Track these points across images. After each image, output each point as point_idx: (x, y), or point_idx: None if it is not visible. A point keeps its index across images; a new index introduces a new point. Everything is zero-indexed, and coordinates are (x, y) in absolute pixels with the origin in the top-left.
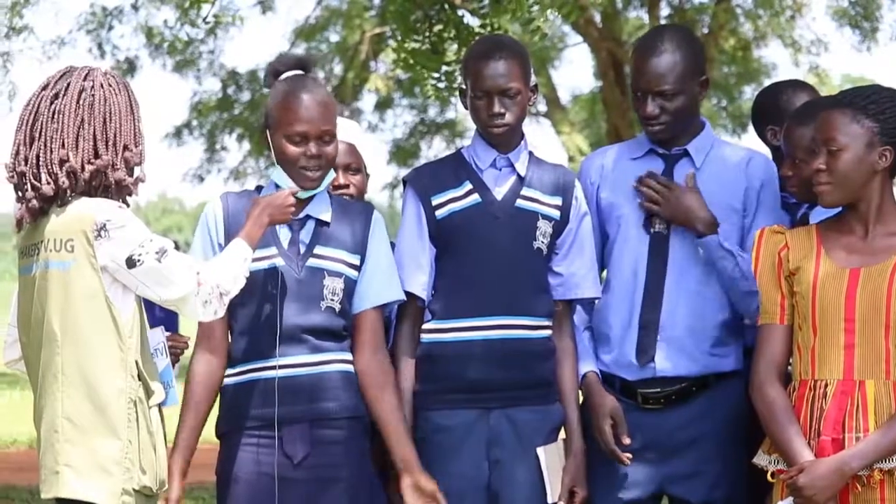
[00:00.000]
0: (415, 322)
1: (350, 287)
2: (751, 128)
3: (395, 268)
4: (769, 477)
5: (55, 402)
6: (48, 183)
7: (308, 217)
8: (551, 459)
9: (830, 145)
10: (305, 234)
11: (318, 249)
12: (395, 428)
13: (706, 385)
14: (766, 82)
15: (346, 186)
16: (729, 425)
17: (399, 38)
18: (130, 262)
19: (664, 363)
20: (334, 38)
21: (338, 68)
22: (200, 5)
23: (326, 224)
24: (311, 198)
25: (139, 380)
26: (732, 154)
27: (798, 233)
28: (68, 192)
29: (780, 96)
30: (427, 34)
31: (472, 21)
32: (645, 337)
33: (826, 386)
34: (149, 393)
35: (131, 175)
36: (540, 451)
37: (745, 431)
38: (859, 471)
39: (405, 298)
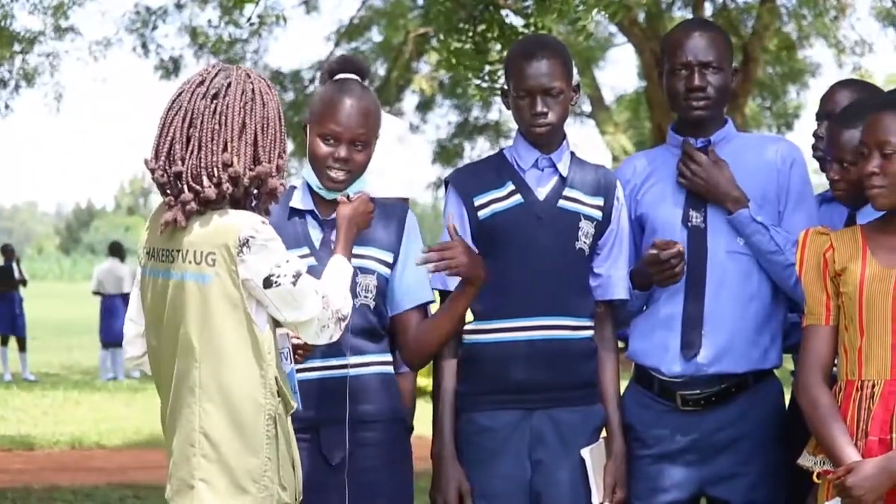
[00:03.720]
0: None
1: (383, 285)
2: (796, 126)
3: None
4: (814, 478)
5: (192, 416)
6: (210, 186)
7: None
8: (595, 460)
9: (885, 148)
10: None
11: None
12: None
13: (745, 385)
14: (811, 82)
15: None
16: (768, 425)
17: (442, 37)
18: (267, 283)
19: (708, 358)
20: (378, 38)
21: (381, 69)
22: (244, 5)
23: None
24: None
25: (278, 396)
26: (759, 142)
27: (843, 234)
28: (227, 197)
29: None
30: (470, 34)
31: (516, 21)
32: (689, 331)
33: (873, 386)
34: (287, 408)
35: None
36: (585, 452)
37: (784, 431)
38: None
39: (433, 300)
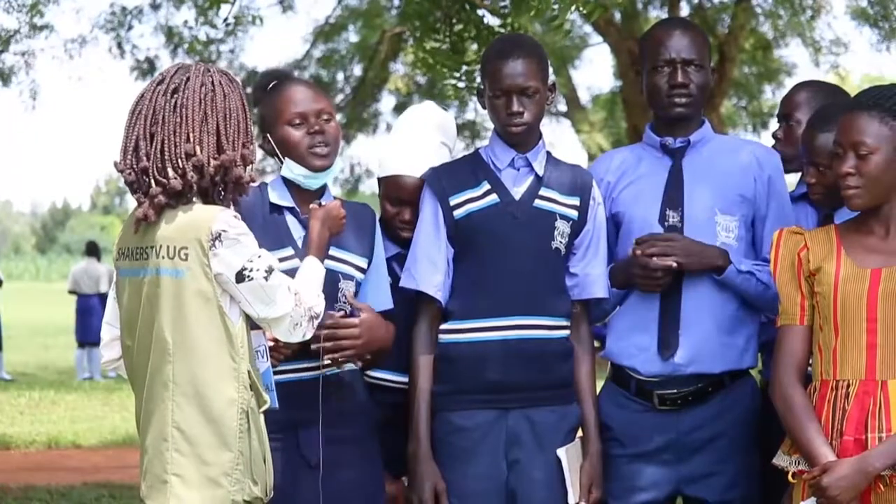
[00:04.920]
0: (431, 322)
1: (356, 291)
2: (771, 125)
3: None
4: (790, 478)
5: (165, 411)
6: (175, 178)
7: None
8: (572, 459)
9: (859, 149)
10: None
11: (331, 252)
12: None
13: (722, 385)
14: (787, 81)
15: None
16: (744, 424)
17: (418, 37)
18: (240, 277)
19: (686, 358)
20: (354, 37)
21: (357, 69)
22: (219, 5)
23: None
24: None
25: (251, 390)
26: (735, 145)
27: (817, 233)
28: (194, 187)
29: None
30: (447, 33)
31: (493, 20)
32: (666, 331)
33: (848, 386)
34: (260, 403)
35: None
36: (561, 452)
37: (759, 430)
38: (882, 471)
39: (391, 307)
